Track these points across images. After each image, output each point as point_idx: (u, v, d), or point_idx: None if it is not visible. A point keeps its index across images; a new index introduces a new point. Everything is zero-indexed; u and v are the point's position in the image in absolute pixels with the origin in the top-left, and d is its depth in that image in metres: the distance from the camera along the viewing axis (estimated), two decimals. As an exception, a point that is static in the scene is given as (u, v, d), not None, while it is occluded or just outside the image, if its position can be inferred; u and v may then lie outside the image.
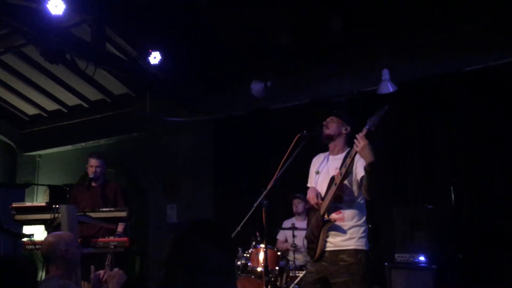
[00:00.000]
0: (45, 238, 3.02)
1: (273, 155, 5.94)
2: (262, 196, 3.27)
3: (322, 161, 3.44)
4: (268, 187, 3.30)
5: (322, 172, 3.37)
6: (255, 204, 3.25)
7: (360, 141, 2.91)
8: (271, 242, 5.63)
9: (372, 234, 5.24)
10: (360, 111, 5.81)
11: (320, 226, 3.21)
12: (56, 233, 3.08)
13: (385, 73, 5.30)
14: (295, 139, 3.34)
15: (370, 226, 4.99)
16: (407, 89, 5.56)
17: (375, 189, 3.06)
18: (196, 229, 1.49)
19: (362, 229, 3.22)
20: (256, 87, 6.14)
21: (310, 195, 3.29)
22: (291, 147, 3.34)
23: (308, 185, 3.51)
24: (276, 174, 3.36)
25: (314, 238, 3.25)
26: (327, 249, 3.21)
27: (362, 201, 3.26)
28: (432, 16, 5.12)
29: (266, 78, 6.14)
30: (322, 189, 3.30)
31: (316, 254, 3.23)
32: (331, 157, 3.39)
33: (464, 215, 5.08)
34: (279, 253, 5.43)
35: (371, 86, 5.62)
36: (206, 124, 7.34)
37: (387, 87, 5.25)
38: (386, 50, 5.48)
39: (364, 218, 3.26)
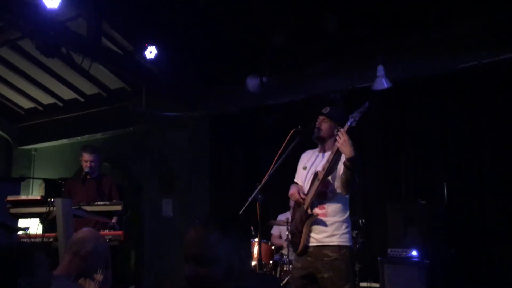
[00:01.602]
0: (82, 232, 2.81)
1: (268, 150, 5.98)
2: (256, 190, 3.28)
3: (311, 157, 3.47)
4: (263, 182, 3.32)
5: (310, 168, 3.41)
6: (250, 199, 3.27)
7: (341, 137, 2.98)
8: (265, 236, 5.68)
9: (365, 229, 5.32)
10: (355, 107, 5.84)
11: (304, 220, 3.25)
12: (93, 231, 2.90)
13: (380, 70, 5.33)
14: (289, 134, 3.36)
15: (363, 221, 5.07)
16: (401, 86, 5.60)
17: (351, 185, 3.11)
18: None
19: (345, 225, 3.25)
20: (252, 83, 6.16)
21: (292, 191, 3.34)
22: (285, 142, 3.36)
23: (295, 180, 3.54)
24: (270, 169, 3.38)
25: (298, 232, 3.29)
26: (311, 244, 3.24)
27: (346, 197, 3.30)
28: (426, 15, 5.15)
29: (261, 74, 6.16)
30: (308, 185, 3.34)
31: (299, 248, 3.27)
32: (320, 154, 3.43)
33: (457, 211, 5.13)
34: (273, 247, 5.47)
35: (366, 82, 5.65)
36: (202, 119, 7.35)
37: (382, 84, 5.29)
38: (381, 48, 5.51)
39: (347, 214, 3.29)
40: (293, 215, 3.49)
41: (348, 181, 3.07)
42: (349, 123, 3.03)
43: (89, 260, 2.67)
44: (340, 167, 3.16)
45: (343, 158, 3.13)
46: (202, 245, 1.51)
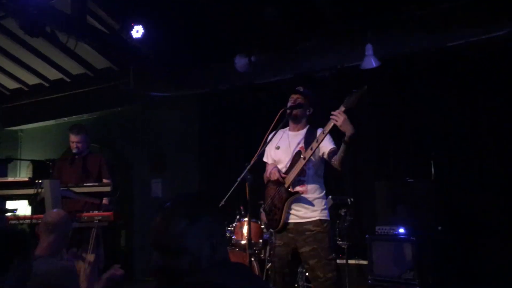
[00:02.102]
0: (50, 213, 3.03)
1: (257, 129, 5.97)
2: (245, 171, 3.29)
3: (281, 136, 3.52)
4: (252, 162, 3.33)
5: (283, 147, 3.47)
6: (239, 179, 3.28)
7: (340, 116, 3.05)
8: (255, 215, 5.70)
9: (354, 207, 5.36)
10: (344, 85, 5.84)
11: (284, 198, 3.33)
12: (60, 211, 3.09)
13: (369, 48, 5.31)
14: (278, 114, 3.39)
15: (351, 199, 5.11)
16: (390, 64, 5.59)
17: (346, 160, 3.24)
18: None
19: (324, 201, 3.40)
20: (240, 62, 6.11)
21: (273, 170, 3.39)
22: (274, 121, 3.39)
23: (265, 159, 3.60)
24: (259, 149, 3.41)
25: (277, 209, 3.37)
26: (291, 221, 3.33)
27: (322, 175, 3.44)
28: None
29: (250, 53, 6.11)
30: (284, 163, 3.41)
31: (279, 225, 3.36)
32: (291, 133, 3.51)
33: (444, 188, 5.19)
34: (262, 226, 5.50)
35: (355, 61, 5.63)
36: (191, 98, 7.31)
37: (370, 62, 5.27)
38: (370, 25, 5.48)
39: (324, 192, 3.42)
40: (267, 194, 3.53)
41: (345, 157, 3.19)
42: (344, 105, 3.08)
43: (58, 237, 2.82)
44: (323, 146, 3.28)
45: (327, 138, 3.25)
46: (168, 235, 1.39)
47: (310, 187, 3.34)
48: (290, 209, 3.33)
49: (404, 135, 5.66)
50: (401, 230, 4.77)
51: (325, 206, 3.38)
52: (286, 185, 3.33)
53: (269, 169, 3.46)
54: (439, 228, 4.77)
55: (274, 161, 3.51)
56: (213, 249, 1.41)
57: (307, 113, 3.49)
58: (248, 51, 6.09)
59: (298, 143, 3.40)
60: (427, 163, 5.14)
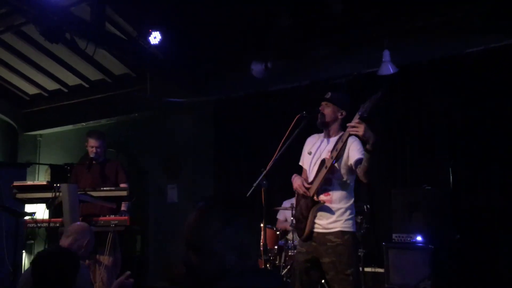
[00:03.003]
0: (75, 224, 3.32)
1: (273, 136, 5.95)
2: (261, 176, 3.29)
3: (316, 142, 3.48)
4: (268, 168, 3.33)
5: (315, 153, 3.41)
6: (255, 184, 3.28)
7: (360, 126, 2.92)
8: (270, 222, 5.70)
9: (370, 215, 5.32)
10: (360, 92, 5.82)
11: (310, 207, 3.28)
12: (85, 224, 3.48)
13: (386, 55, 5.30)
14: (294, 120, 3.37)
15: (368, 206, 5.07)
16: (407, 71, 5.57)
17: (374, 171, 3.09)
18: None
19: (349, 211, 3.27)
20: (257, 68, 6.13)
21: (297, 185, 3.34)
22: (290, 127, 3.37)
23: (300, 163, 3.57)
24: (275, 154, 3.39)
25: (303, 218, 3.32)
26: (316, 230, 3.28)
27: (351, 185, 3.31)
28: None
29: (266, 59, 6.13)
30: (313, 171, 3.35)
31: (304, 233, 3.31)
32: (325, 139, 3.43)
33: (462, 196, 5.13)
34: (278, 232, 5.49)
35: (371, 68, 5.61)
36: (206, 105, 7.34)
37: (388, 69, 5.25)
38: (386, 32, 5.46)
39: (352, 201, 3.31)
40: (297, 201, 3.51)
41: (370, 167, 3.04)
42: (360, 113, 2.98)
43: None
44: (350, 156, 3.17)
45: (353, 146, 3.15)
46: (199, 235, 1.40)
47: (335, 196, 3.25)
48: (315, 217, 3.27)
49: (421, 142, 5.61)
50: (419, 238, 4.71)
51: (350, 217, 3.26)
52: (311, 194, 3.27)
53: (295, 182, 3.39)
54: (457, 236, 4.71)
55: (310, 166, 3.44)
56: (242, 256, 1.39)
57: (339, 116, 3.36)
58: (264, 57, 6.11)
59: (328, 151, 3.29)
60: (445, 171, 5.08)
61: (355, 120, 2.98)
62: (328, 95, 3.39)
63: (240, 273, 1.37)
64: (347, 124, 3.04)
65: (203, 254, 1.38)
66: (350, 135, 3.06)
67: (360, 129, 2.93)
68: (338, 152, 3.14)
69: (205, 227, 1.40)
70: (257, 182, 3.28)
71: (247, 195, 3.25)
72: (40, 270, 2.44)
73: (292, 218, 5.11)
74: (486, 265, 4.89)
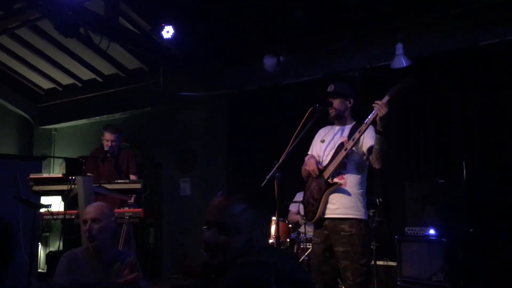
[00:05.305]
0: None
1: (286, 129, 5.98)
2: (274, 168, 3.30)
3: (329, 131, 3.51)
4: (281, 160, 3.33)
5: (330, 142, 3.44)
6: (268, 177, 3.29)
7: (383, 107, 2.96)
8: (282, 214, 5.71)
9: (383, 208, 5.31)
10: (373, 86, 5.79)
11: (323, 189, 3.28)
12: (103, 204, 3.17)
13: (399, 48, 5.26)
14: (307, 112, 3.38)
15: (380, 200, 5.06)
16: (421, 64, 5.52)
17: (384, 152, 3.11)
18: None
19: (362, 199, 3.30)
20: (269, 62, 6.13)
21: (311, 161, 3.37)
22: (303, 120, 3.37)
23: (309, 152, 3.59)
24: (288, 146, 3.39)
25: (314, 200, 3.33)
26: (327, 216, 3.28)
27: (364, 171, 3.35)
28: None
29: (279, 53, 6.12)
30: (328, 157, 3.38)
31: (315, 217, 3.31)
32: (337, 127, 3.48)
33: (476, 190, 5.08)
34: (290, 225, 5.51)
35: (384, 61, 5.58)
36: (219, 98, 7.36)
37: (401, 62, 5.21)
38: (400, 25, 5.42)
39: (364, 190, 3.34)
40: (308, 185, 3.50)
41: (380, 149, 3.09)
42: (389, 95, 3.00)
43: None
44: (365, 142, 3.23)
45: (368, 133, 3.20)
46: (227, 213, 1.51)
47: (349, 180, 3.27)
48: (327, 201, 3.28)
49: (435, 135, 5.57)
50: (432, 231, 4.69)
51: (363, 204, 3.28)
52: (325, 176, 3.29)
53: (309, 164, 3.40)
54: (471, 230, 4.67)
55: (318, 156, 3.48)
56: (263, 234, 1.55)
57: (348, 105, 3.41)
58: (277, 51, 6.10)
59: (343, 137, 3.35)
60: (458, 164, 5.04)
61: (384, 100, 3.00)
62: (331, 88, 3.43)
63: (261, 250, 1.50)
64: (375, 101, 3.02)
65: (231, 232, 1.48)
66: (371, 121, 3.09)
67: (383, 110, 2.96)
68: (361, 133, 3.18)
69: (232, 207, 1.52)
70: (270, 174, 3.28)
71: (262, 184, 3.26)
72: None
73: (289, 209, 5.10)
74: (499, 259, 4.85)
